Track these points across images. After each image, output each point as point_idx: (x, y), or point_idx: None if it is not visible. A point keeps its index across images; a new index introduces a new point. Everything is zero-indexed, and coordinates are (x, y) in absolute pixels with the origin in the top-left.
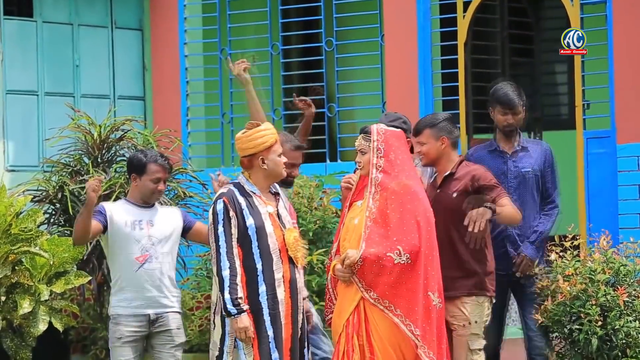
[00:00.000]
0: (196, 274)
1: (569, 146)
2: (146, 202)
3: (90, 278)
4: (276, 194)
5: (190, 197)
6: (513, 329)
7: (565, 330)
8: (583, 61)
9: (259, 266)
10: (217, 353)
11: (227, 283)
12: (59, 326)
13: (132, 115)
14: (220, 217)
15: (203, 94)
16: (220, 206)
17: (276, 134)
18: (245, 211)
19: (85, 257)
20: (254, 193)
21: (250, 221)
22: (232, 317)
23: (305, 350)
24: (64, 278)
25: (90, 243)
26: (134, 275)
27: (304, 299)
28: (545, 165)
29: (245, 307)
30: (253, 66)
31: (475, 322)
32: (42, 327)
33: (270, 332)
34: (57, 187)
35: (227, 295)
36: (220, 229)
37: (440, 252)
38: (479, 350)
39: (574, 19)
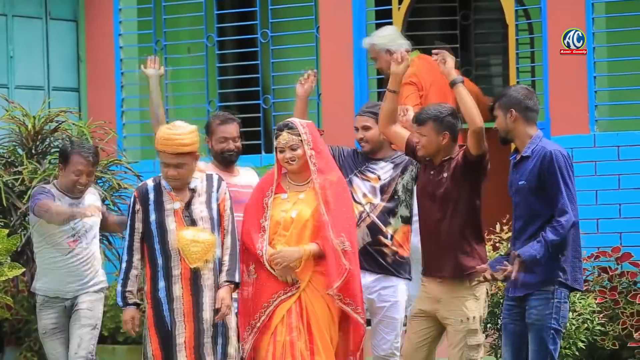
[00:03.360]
0: None
1: None
2: (71, 193)
3: (24, 270)
4: (193, 190)
5: (125, 188)
6: None
7: (499, 321)
8: (517, 53)
9: (160, 262)
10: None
11: (120, 275)
12: None
13: (67, 106)
14: (130, 210)
15: (138, 86)
16: (131, 199)
17: (170, 144)
18: (152, 206)
19: (19, 249)
20: (165, 188)
21: (153, 217)
22: (122, 308)
23: (219, 347)
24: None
25: (24, 234)
26: (61, 260)
27: (222, 299)
28: (544, 174)
29: (132, 300)
30: (188, 58)
31: (474, 317)
32: None
33: (169, 328)
34: None
35: (118, 287)
36: (129, 222)
37: (431, 237)
38: (478, 346)
39: (508, 13)
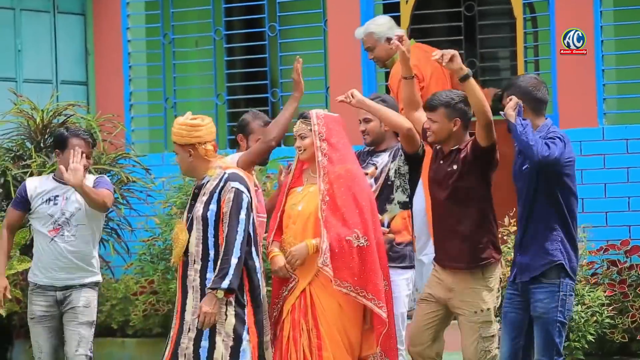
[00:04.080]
0: (140, 259)
1: None
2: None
3: None
4: (199, 187)
5: (134, 182)
6: None
7: None
8: (526, 47)
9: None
10: None
11: None
12: (2, 311)
13: (75, 100)
14: None
15: (146, 79)
16: None
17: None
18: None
19: (28, 242)
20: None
21: None
22: None
23: (202, 350)
24: (7, 263)
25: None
26: (46, 248)
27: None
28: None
29: None
30: (196, 51)
31: (488, 309)
32: None
33: None
34: (0, 172)
35: None
36: None
37: (443, 225)
38: (492, 336)
39: (516, 6)
